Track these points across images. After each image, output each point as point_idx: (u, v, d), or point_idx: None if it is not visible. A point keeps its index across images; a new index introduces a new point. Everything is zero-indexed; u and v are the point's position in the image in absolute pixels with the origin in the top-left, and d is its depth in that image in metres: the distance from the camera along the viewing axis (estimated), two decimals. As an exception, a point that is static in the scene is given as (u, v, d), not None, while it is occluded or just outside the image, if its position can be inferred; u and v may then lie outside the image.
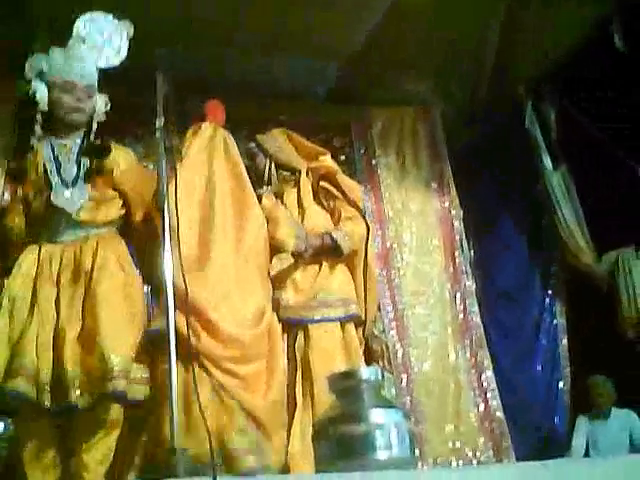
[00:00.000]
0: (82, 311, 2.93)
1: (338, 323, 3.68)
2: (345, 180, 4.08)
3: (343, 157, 5.46)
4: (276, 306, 3.64)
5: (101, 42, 3.20)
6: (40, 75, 3.12)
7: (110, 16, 3.24)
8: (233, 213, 3.51)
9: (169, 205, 2.73)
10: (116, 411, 2.91)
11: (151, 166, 4.72)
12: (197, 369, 2.98)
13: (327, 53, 5.06)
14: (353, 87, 5.37)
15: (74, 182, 3.08)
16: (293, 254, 3.70)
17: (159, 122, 3.12)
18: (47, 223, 3.08)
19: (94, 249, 3.03)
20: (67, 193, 3.05)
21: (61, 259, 3.01)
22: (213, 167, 3.56)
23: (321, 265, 3.78)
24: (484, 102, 5.68)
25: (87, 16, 3.21)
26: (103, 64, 3.24)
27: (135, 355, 2.94)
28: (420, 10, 4.65)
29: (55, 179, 3.06)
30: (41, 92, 3.09)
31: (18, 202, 3.19)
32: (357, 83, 5.34)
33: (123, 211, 3.24)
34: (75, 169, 3.11)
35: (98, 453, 2.87)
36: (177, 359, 2.50)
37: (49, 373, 2.79)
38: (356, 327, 3.80)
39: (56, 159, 3.11)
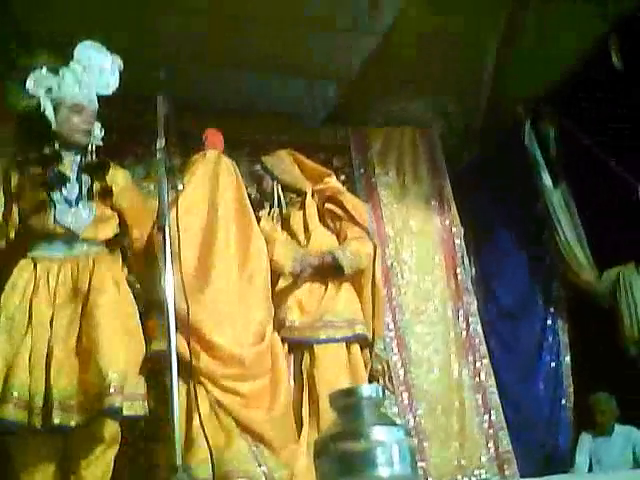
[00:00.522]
0: (79, 329, 2.92)
1: (344, 344, 3.69)
2: (350, 200, 4.07)
3: (343, 177, 5.48)
4: (282, 326, 3.66)
5: (98, 71, 3.23)
6: (48, 93, 3.13)
7: (104, 48, 3.27)
8: (236, 237, 3.54)
9: (170, 226, 2.74)
10: (113, 427, 2.90)
11: (152, 187, 4.80)
12: (197, 388, 3.00)
13: (326, 74, 5.12)
14: (352, 108, 5.42)
15: (77, 200, 3.09)
16: (291, 275, 3.73)
17: (160, 143, 3.16)
18: (45, 239, 3.07)
19: (91, 268, 3.04)
20: (72, 211, 3.06)
21: (58, 276, 3.00)
22: (217, 192, 3.58)
23: (327, 286, 3.79)
24: (483, 122, 5.72)
25: (87, 43, 3.23)
26: (100, 92, 3.27)
27: (133, 372, 2.94)
28: (419, 33, 4.71)
29: (57, 197, 3.06)
30: (50, 110, 3.10)
31: (13, 217, 3.16)
32: (356, 104, 5.39)
33: (118, 230, 3.26)
34: (77, 187, 3.12)
35: (97, 470, 2.87)
36: (178, 378, 2.52)
37: (41, 393, 2.76)
38: (362, 347, 3.81)
39: (57, 177, 3.12)
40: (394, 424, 3.60)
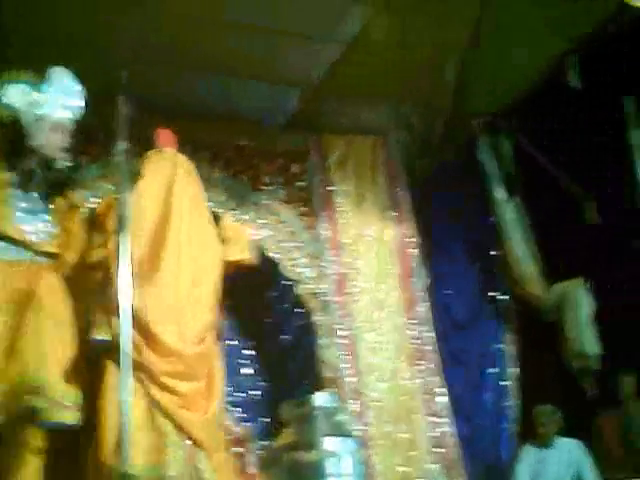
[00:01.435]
0: (12, 331, 2.91)
1: None
2: None
3: (301, 183, 5.50)
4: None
5: (73, 93, 3.25)
6: (30, 106, 3.13)
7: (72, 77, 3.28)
8: (190, 236, 3.51)
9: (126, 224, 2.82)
10: (36, 435, 2.87)
11: (108, 186, 4.75)
12: (135, 384, 2.96)
13: (289, 81, 5.11)
14: (313, 115, 5.42)
15: (38, 212, 3.12)
16: None
17: (120, 145, 3.14)
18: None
19: (35, 274, 3.04)
20: (32, 221, 3.09)
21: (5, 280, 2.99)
22: (173, 189, 3.55)
23: None
24: (443, 134, 5.78)
25: (58, 69, 3.23)
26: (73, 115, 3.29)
27: (66, 380, 2.93)
28: (382, 43, 4.73)
29: (19, 206, 3.08)
30: (31, 125, 3.11)
31: None
32: (318, 111, 5.40)
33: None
34: (40, 200, 3.15)
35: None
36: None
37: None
38: None
39: (20, 186, 3.12)
40: (346, 434, 3.64)
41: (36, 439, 2.85)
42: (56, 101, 3.18)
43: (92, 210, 4.49)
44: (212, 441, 3.23)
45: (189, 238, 3.49)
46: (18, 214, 3.06)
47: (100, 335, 3.09)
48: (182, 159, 3.74)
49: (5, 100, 3.10)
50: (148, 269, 3.32)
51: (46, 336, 2.92)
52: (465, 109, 5.62)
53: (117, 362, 2.59)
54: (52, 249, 3.13)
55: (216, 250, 3.63)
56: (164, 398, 3.13)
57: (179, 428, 3.12)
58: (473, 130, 5.86)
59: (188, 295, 3.38)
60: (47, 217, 3.12)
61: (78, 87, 3.25)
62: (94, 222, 3.40)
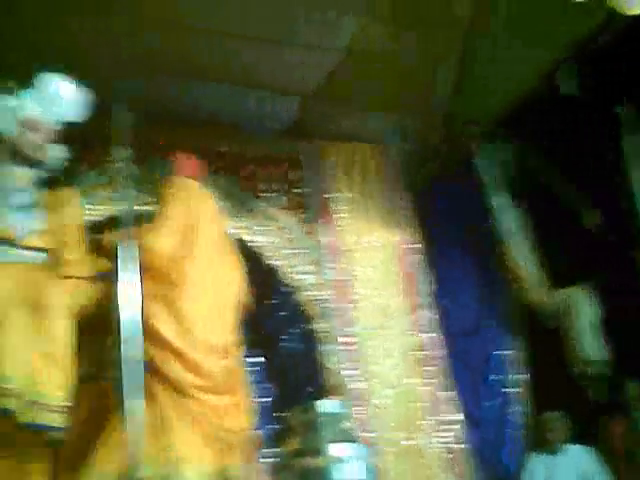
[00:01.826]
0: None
1: None
2: None
3: (299, 190, 5.49)
4: None
5: (59, 95, 3.26)
6: (7, 110, 3.18)
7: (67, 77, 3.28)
8: (214, 255, 3.62)
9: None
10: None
11: (105, 193, 4.75)
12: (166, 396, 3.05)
13: (286, 88, 5.09)
14: (310, 122, 5.41)
15: (26, 208, 3.12)
16: None
17: (118, 152, 3.15)
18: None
19: (31, 275, 3.03)
20: (18, 218, 3.08)
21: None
22: (198, 214, 3.62)
23: None
24: (440, 141, 5.78)
25: (47, 75, 3.25)
26: (62, 116, 3.28)
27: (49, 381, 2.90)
28: (377, 51, 4.73)
29: (9, 203, 3.09)
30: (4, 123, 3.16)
31: None
32: (314, 118, 5.39)
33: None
34: (28, 196, 3.15)
35: None
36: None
37: None
38: None
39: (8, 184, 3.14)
40: (352, 440, 3.62)
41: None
42: (36, 103, 3.20)
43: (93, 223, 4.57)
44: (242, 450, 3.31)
45: (213, 258, 3.60)
46: (4, 211, 3.07)
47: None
48: (206, 193, 3.82)
49: None
50: (171, 287, 3.39)
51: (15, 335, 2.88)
52: (462, 116, 5.62)
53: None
54: (41, 244, 3.11)
55: (237, 279, 3.70)
56: (199, 408, 3.18)
57: (209, 437, 3.16)
58: (470, 137, 5.86)
59: (210, 315, 3.45)
60: (34, 213, 3.12)
61: (67, 92, 3.26)
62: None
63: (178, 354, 3.20)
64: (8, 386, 2.77)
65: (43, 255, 3.13)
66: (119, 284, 2.92)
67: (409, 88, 5.16)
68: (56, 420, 2.86)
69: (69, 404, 2.90)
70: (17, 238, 3.06)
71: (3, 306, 2.90)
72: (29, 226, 3.09)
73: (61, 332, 2.97)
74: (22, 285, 2.99)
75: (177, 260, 3.41)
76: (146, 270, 3.13)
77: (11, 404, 2.77)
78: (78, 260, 3.23)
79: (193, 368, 3.22)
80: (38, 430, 2.85)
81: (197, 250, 3.49)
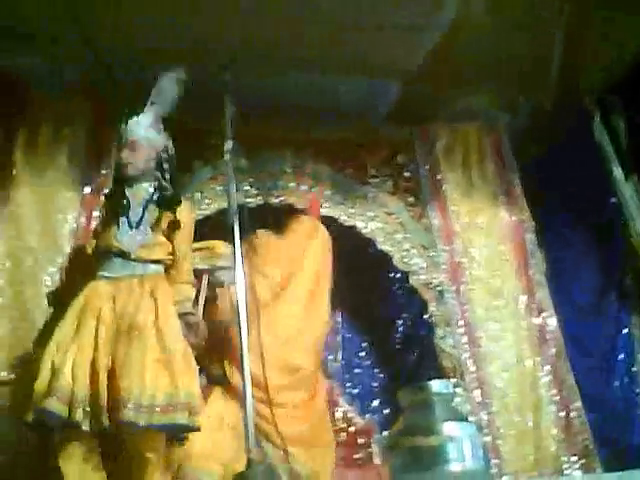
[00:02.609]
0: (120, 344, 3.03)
1: None
2: None
3: (408, 174, 5.49)
4: None
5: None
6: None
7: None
8: (306, 296, 4.14)
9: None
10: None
11: (218, 188, 4.93)
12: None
13: (389, 72, 5.11)
14: (416, 104, 5.38)
15: (137, 225, 3.27)
16: None
17: (227, 144, 3.25)
18: (107, 259, 3.24)
19: (142, 288, 3.16)
20: (130, 233, 3.24)
21: (111, 295, 3.14)
22: (308, 252, 4.23)
23: None
24: (551, 115, 5.62)
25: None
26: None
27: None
28: (481, 27, 4.66)
29: (122, 220, 3.26)
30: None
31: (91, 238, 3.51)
32: (420, 100, 5.36)
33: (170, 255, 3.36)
34: (141, 212, 3.31)
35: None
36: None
37: (85, 395, 2.89)
38: None
39: (128, 202, 3.33)
40: (466, 420, 3.61)
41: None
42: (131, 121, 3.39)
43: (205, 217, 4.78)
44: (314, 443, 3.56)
45: (308, 290, 4.08)
46: (121, 228, 3.24)
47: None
48: (324, 233, 4.43)
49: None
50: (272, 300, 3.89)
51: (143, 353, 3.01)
52: (574, 87, 5.45)
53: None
54: (154, 256, 3.24)
55: (324, 316, 4.13)
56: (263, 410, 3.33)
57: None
58: (586, 109, 5.66)
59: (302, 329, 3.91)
60: (147, 230, 3.26)
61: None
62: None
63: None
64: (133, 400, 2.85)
65: (156, 267, 3.26)
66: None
67: (515, 62, 5.06)
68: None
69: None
70: (130, 252, 3.20)
71: (126, 321, 3.06)
72: (141, 240, 3.23)
73: (177, 338, 3.10)
74: (137, 297, 3.14)
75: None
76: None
77: (184, 419, 2.90)
78: (189, 269, 3.37)
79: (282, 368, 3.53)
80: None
81: (296, 279, 4.06)
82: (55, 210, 4.68)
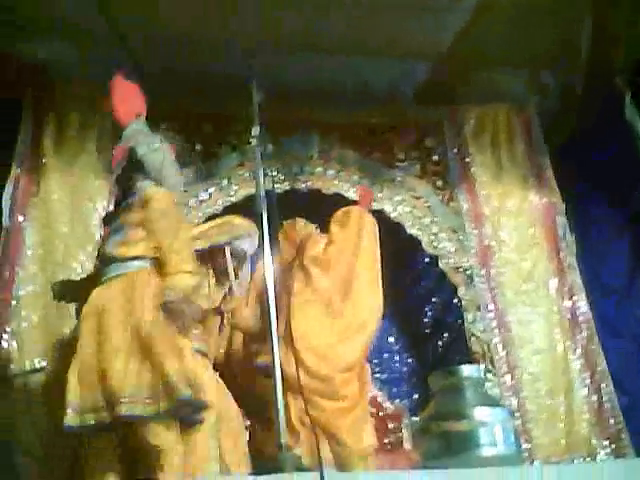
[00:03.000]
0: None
1: None
2: None
3: (436, 157, 5.45)
4: None
5: None
6: None
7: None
8: (358, 283, 3.96)
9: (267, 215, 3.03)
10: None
11: (247, 174, 4.93)
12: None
13: (417, 54, 5.04)
14: (443, 86, 5.33)
15: (118, 229, 3.33)
16: None
17: (255, 130, 3.24)
18: (104, 266, 3.28)
19: (123, 286, 3.16)
20: (113, 237, 3.32)
21: (101, 298, 3.16)
22: (362, 244, 4.03)
23: None
24: (581, 95, 5.54)
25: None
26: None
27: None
28: (509, 8, 4.59)
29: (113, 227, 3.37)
30: None
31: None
32: (447, 82, 5.31)
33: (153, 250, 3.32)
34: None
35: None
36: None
37: (96, 395, 2.92)
38: None
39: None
40: (497, 404, 3.58)
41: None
42: None
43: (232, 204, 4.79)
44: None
45: (356, 286, 3.91)
46: (111, 236, 3.32)
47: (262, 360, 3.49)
48: (372, 220, 4.22)
49: None
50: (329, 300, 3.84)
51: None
52: (603, 66, 5.35)
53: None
54: (134, 252, 3.22)
55: (375, 307, 3.94)
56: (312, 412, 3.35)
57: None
58: (617, 88, 5.57)
59: (344, 333, 3.76)
60: (124, 228, 3.28)
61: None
62: None
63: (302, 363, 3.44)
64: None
65: (139, 263, 3.23)
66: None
67: (544, 42, 4.98)
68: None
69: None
70: (111, 252, 3.24)
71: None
72: (119, 238, 3.26)
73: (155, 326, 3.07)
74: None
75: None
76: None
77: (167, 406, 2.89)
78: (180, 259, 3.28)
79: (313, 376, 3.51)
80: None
81: (357, 271, 3.93)
82: (85, 198, 4.74)
